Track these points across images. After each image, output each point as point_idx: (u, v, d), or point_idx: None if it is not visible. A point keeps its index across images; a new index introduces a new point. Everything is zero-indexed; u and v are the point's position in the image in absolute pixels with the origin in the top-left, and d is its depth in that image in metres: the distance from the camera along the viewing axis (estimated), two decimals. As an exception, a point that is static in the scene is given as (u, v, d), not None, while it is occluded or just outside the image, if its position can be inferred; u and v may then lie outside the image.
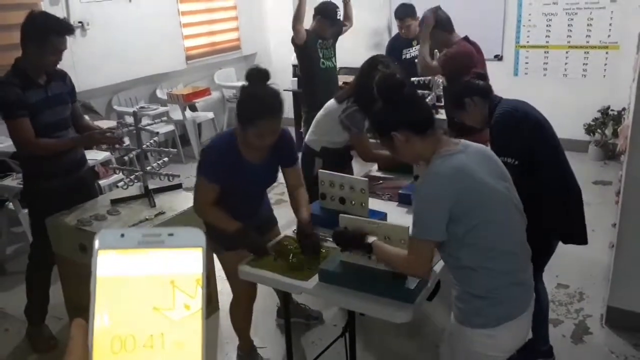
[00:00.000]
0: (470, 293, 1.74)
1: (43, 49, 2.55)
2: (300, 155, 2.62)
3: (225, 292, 3.36)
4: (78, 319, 0.47)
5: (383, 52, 4.79)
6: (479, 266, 1.70)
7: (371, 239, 1.93)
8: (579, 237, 2.51)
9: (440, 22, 3.56)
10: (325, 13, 4.23)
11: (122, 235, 0.47)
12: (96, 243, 0.46)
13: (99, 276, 0.46)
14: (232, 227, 2.26)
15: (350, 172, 3.24)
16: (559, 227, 2.47)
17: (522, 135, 2.39)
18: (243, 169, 2.29)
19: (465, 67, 3.31)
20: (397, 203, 2.76)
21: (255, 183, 2.41)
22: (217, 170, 2.25)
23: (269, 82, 2.23)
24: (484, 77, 2.56)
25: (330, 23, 4.24)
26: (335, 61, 4.51)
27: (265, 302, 3.10)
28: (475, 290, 1.73)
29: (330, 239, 2.38)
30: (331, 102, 3.07)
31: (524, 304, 1.79)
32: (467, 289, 1.75)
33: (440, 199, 1.65)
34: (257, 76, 2.20)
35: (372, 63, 2.92)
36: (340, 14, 4.36)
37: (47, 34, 2.53)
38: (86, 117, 3.35)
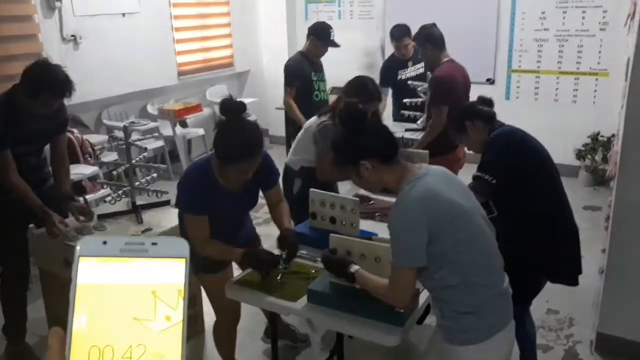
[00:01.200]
0: (456, 311, 1.74)
1: (33, 101, 2.48)
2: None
3: (211, 314, 3.30)
4: (56, 328, 0.46)
5: (377, 72, 4.81)
6: (461, 283, 1.71)
7: (354, 268, 1.92)
8: (569, 278, 2.45)
9: (432, 39, 3.63)
10: (317, 33, 4.22)
11: (105, 243, 0.46)
12: (77, 249, 0.45)
13: (79, 283, 0.45)
14: (237, 256, 2.22)
15: (336, 192, 3.21)
16: (548, 265, 2.41)
17: (512, 159, 2.36)
18: (222, 198, 2.22)
19: (446, 90, 3.38)
20: (387, 223, 2.73)
21: (236, 210, 2.37)
22: (196, 202, 2.18)
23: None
24: (490, 102, 2.54)
25: (323, 43, 4.23)
26: (328, 94, 4.49)
27: (251, 324, 3.05)
28: (461, 308, 1.73)
29: (320, 259, 2.36)
30: (312, 119, 3.07)
31: (507, 313, 1.81)
32: (452, 307, 1.75)
33: (415, 225, 1.66)
34: (234, 109, 2.10)
35: (359, 82, 2.95)
36: (334, 35, 4.31)
37: (40, 91, 2.44)
38: (74, 130, 3.29)
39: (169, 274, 0.45)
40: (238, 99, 2.16)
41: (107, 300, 0.44)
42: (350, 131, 1.83)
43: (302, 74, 4.21)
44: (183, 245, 0.47)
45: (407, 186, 1.71)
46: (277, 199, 2.47)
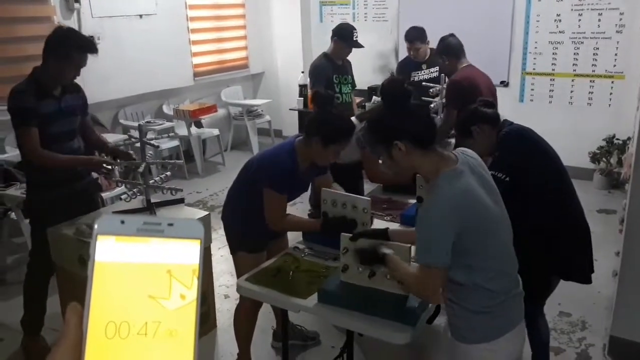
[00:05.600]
0: (468, 309, 1.72)
1: (63, 63, 2.60)
2: None
3: (223, 310, 3.34)
4: (74, 303, 0.47)
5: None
6: (476, 285, 1.69)
7: (387, 251, 1.89)
8: (581, 276, 2.44)
9: (448, 50, 3.66)
10: (340, 34, 4.20)
11: (122, 222, 0.47)
12: (96, 228, 0.46)
13: (97, 261, 0.46)
14: (316, 226, 2.43)
15: (361, 190, 3.26)
16: (560, 265, 2.40)
17: (523, 156, 2.35)
18: (299, 181, 2.47)
19: (463, 94, 3.37)
20: (399, 224, 2.75)
21: (299, 193, 2.64)
22: (285, 183, 2.37)
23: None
24: (492, 104, 2.51)
25: (345, 44, 4.20)
26: (352, 96, 4.45)
27: (264, 322, 3.07)
28: (472, 307, 1.72)
29: (333, 259, 2.37)
30: (352, 119, 3.13)
31: (519, 314, 1.80)
32: (464, 305, 1.73)
33: (448, 224, 1.61)
34: (327, 99, 2.50)
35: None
36: (357, 36, 4.24)
37: (69, 49, 2.58)
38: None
39: (184, 254, 0.47)
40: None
41: (123, 277, 0.45)
42: (390, 108, 1.78)
43: (323, 76, 4.19)
44: (198, 227, 0.48)
45: (444, 181, 1.64)
46: (329, 182, 2.68)
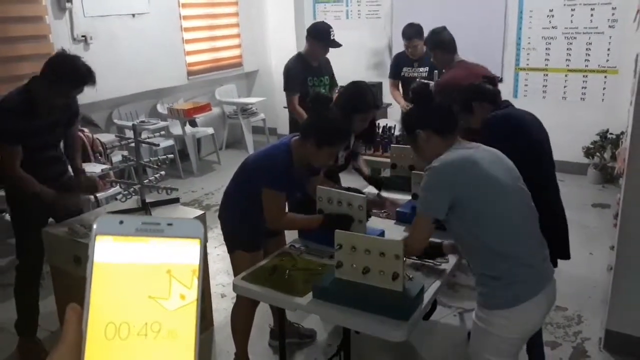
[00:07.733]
0: (486, 275, 1.88)
1: (53, 91, 2.55)
2: None
3: (220, 309, 3.34)
4: (73, 304, 0.46)
5: (384, 71, 4.82)
6: (487, 248, 1.84)
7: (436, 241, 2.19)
8: (560, 253, 2.50)
9: (442, 43, 3.61)
10: (314, 34, 3.97)
11: (121, 222, 0.47)
12: (94, 228, 0.46)
13: (95, 262, 0.45)
14: (317, 222, 2.46)
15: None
16: None
17: (502, 143, 2.36)
18: (294, 182, 2.46)
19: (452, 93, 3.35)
20: (394, 221, 2.75)
21: (294, 194, 2.64)
22: (283, 181, 2.39)
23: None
24: (494, 81, 2.55)
25: (322, 44, 3.95)
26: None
27: (261, 321, 3.06)
28: (488, 272, 1.87)
29: (329, 257, 2.37)
30: None
31: (536, 285, 1.88)
32: (482, 271, 1.89)
33: (443, 180, 1.86)
34: (323, 102, 2.49)
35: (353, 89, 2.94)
36: (334, 35, 3.96)
37: (62, 80, 2.53)
38: (85, 129, 3.33)
39: (184, 254, 0.46)
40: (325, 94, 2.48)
41: (122, 278, 0.45)
42: (416, 104, 2.11)
43: (295, 79, 3.98)
44: (198, 227, 0.48)
45: (450, 150, 1.92)
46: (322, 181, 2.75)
